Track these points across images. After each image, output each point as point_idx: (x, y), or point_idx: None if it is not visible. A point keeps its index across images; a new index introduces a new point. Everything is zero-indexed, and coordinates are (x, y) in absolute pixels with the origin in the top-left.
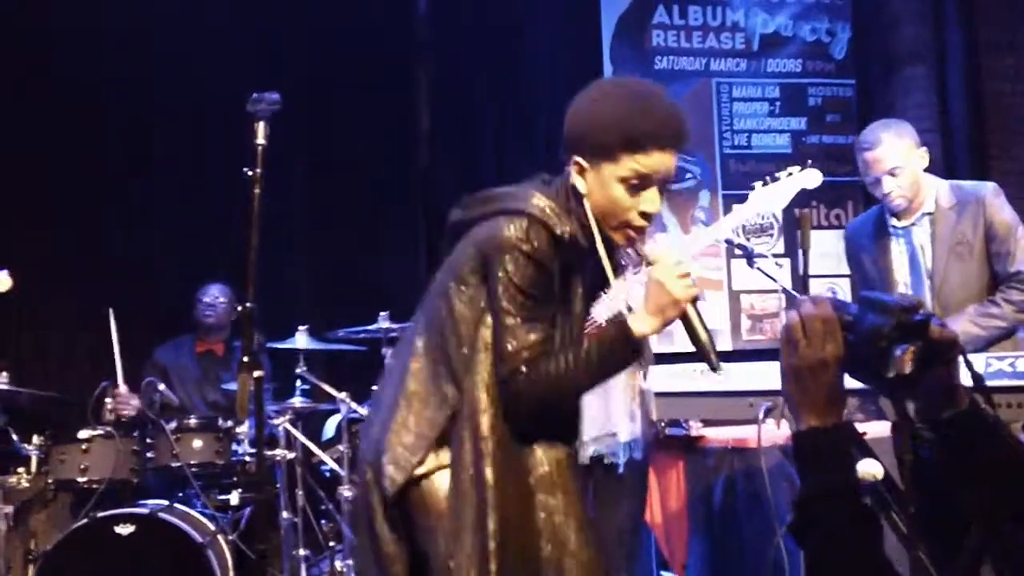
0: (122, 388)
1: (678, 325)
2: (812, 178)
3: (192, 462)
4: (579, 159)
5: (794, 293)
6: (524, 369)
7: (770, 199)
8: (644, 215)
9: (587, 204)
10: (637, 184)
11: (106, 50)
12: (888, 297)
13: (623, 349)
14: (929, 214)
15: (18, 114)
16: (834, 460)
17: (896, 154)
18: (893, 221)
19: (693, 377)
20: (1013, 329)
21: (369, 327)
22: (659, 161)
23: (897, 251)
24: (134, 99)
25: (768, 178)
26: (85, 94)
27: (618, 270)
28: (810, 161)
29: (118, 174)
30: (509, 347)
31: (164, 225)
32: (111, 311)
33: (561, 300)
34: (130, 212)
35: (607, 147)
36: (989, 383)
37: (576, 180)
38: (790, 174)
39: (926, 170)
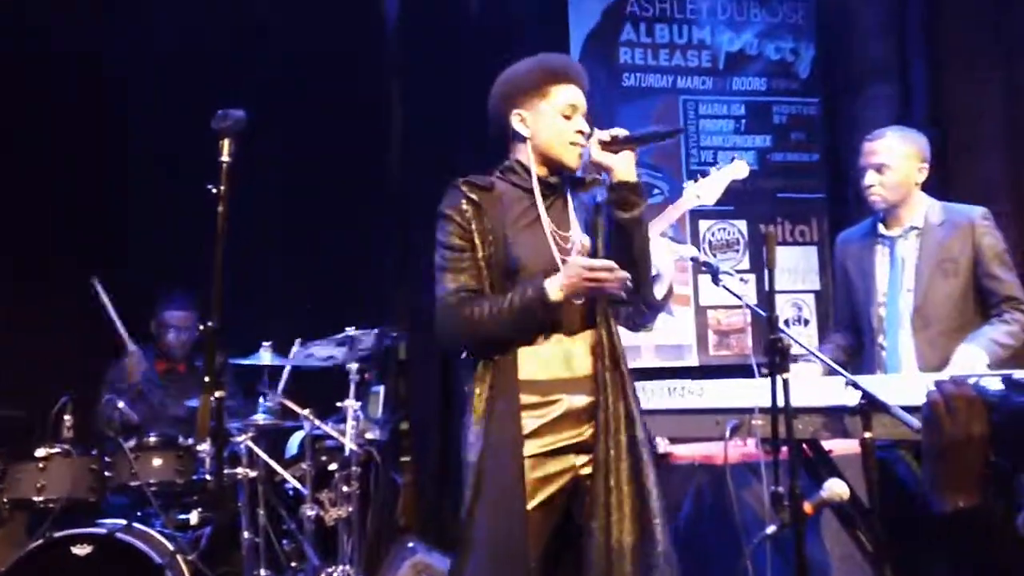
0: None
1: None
2: (740, 170)
3: (151, 481)
4: (518, 111)
5: (759, 310)
6: (451, 307)
7: (703, 191)
8: (580, 132)
9: (528, 147)
10: (569, 113)
11: (80, 62)
12: None
13: (538, 307)
14: (917, 229)
15: None
16: (986, 543)
17: (890, 153)
18: (882, 229)
19: (661, 395)
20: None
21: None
22: (576, 92)
23: (880, 258)
24: (105, 114)
25: (699, 175)
26: (57, 104)
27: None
28: (736, 156)
29: (83, 188)
30: (441, 298)
31: (127, 241)
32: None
33: (500, 224)
34: (93, 225)
35: (537, 84)
36: None
37: (520, 130)
38: (719, 168)
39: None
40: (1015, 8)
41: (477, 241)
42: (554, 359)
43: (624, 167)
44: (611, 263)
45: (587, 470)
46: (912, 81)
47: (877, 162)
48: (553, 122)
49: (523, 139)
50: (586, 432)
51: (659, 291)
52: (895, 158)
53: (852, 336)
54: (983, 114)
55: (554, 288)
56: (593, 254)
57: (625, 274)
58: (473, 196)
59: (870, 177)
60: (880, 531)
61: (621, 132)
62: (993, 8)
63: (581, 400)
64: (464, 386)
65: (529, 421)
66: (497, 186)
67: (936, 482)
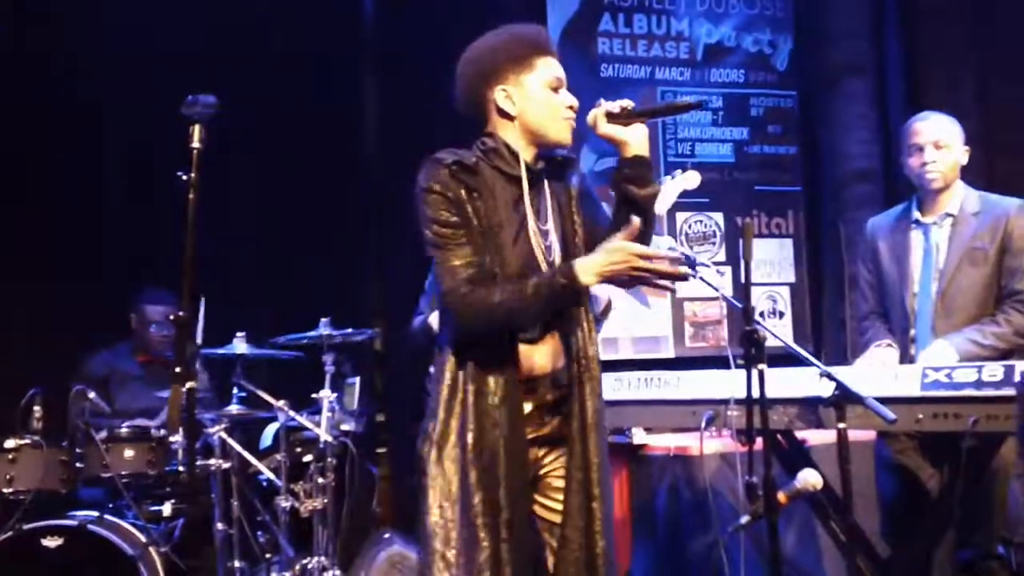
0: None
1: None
2: (691, 180)
3: (123, 472)
4: (503, 87)
5: (735, 302)
6: (462, 291)
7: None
8: (571, 108)
9: (516, 126)
10: (557, 86)
11: (54, 52)
12: None
13: (567, 293)
14: (952, 216)
15: None
16: None
17: (944, 130)
18: (916, 215)
19: (636, 386)
20: (1010, 351)
21: (310, 333)
22: (558, 64)
23: (916, 244)
24: (78, 104)
25: (680, 169)
26: (27, 95)
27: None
28: (686, 165)
29: (53, 175)
30: (448, 280)
31: (99, 227)
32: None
33: (485, 219)
34: (62, 213)
35: (521, 57)
36: (926, 394)
37: (506, 107)
38: (672, 177)
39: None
40: (990, 4)
41: (473, 222)
42: (536, 358)
43: (638, 141)
44: (673, 254)
45: (553, 465)
46: (888, 76)
47: (934, 138)
48: (544, 96)
49: (510, 117)
50: (548, 427)
51: (596, 308)
52: (950, 136)
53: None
54: (958, 108)
55: (587, 272)
56: (569, 246)
57: (686, 269)
58: (463, 178)
59: (930, 153)
60: (854, 521)
61: (629, 104)
62: (969, 4)
63: (548, 396)
64: (431, 383)
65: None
66: (482, 170)
67: None
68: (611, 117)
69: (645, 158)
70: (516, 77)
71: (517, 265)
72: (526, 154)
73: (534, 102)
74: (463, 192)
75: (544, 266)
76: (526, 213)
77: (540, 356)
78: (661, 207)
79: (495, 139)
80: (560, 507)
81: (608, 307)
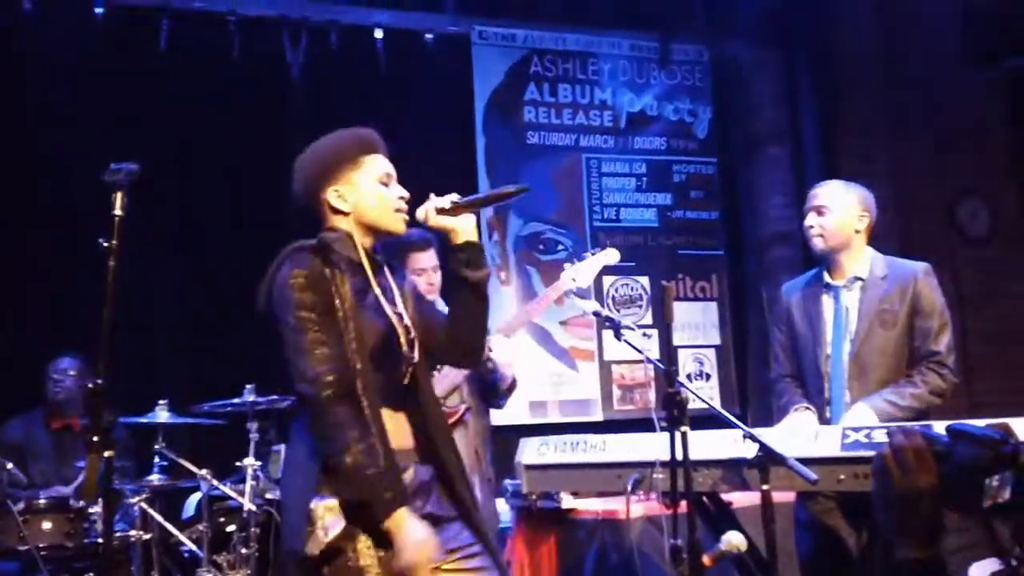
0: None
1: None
2: (611, 256)
3: (41, 544)
4: (334, 188)
5: (659, 364)
6: (325, 394)
7: (578, 275)
8: (402, 199)
9: (351, 221)
10: (386, 181)
11: None
12: (978, 429)
13: (378, 513)
14: (860, 279)
15: None
16: None
17: (829, 197)
18: (827, 278)
19: (563, 450)
20: (926, 411)
21: (234, 400)
22: (386, 161)
23: (827, 306)
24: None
25: (575, 258)
26: None
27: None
28: (608, 243)
29: None
30: (309, 367)
31: (21, 294)
32: None
33: (346, 299)
34: None
35: (350, 157)
36: (846, 454)
37: (339, 206)
38: (594, 254)
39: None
40: (902, 75)
41: (337, 306)
42: (399, 428)
43: (468, 229)
44: None
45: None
46: (804, 142)
47: (817, 204)
48: (374, 191)
49: (345, 214)
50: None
51: (502, 384)
52: (835, 202)
53: (801, 386)
54: (869, 175)
55: (398, 536)
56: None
57: None
58: (329, 256)
59: (810, 219)
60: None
61: (456, 197)
62: (881, 76)
63: (426, 471)
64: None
65: None
66: (333, 257)
67: (891, 531)
68: (441, 211)
69: (476, 243)
70: (347, 175)
71: (375, 339)
72: (364, 243)
73: (365, 197)
74: (329, 274)
75: (403, 338)
76: (376, 295)
77: (403, 429)
78: (583, 281)
79: (336, 231)
80: None
81: (513, 384)
